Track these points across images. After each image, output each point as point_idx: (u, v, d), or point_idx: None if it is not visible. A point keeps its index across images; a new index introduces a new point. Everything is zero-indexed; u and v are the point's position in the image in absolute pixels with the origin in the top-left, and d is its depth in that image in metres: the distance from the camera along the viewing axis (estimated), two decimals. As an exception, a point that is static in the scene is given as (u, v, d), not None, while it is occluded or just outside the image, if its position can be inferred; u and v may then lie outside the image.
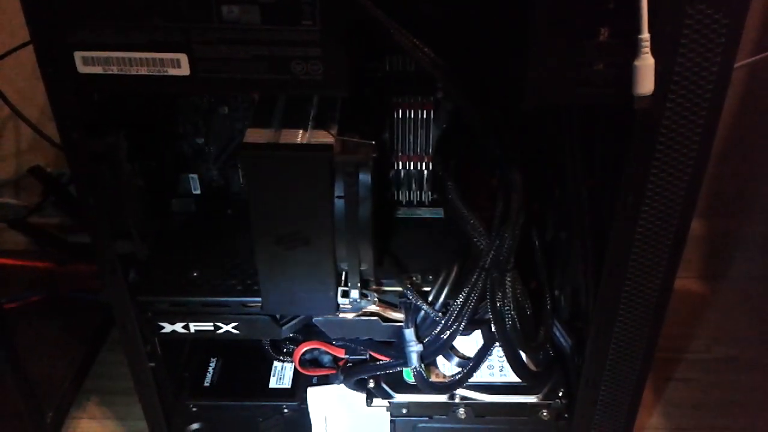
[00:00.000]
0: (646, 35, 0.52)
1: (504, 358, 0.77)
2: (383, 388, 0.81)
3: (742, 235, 1.18)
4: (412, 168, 0.82)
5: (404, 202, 0.84)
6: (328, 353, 0.84)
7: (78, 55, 0.57)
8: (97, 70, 0.58)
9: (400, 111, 0.79)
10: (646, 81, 0.54)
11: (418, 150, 0.81)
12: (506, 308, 0.73)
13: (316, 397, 0.83)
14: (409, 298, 0.74)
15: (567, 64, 0.56)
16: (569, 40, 0.55)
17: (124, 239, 0.72)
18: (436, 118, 0.80)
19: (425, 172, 0.82)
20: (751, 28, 0.98)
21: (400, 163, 0.82)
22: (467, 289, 0.73)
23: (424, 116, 0.79)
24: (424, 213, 0.84)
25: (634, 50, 0.53)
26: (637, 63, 0.53)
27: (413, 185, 0.83)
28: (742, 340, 1.09)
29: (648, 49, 0.53)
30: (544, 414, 0.81)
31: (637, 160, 0.60)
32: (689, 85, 0.56)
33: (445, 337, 0.74)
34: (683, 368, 1.04)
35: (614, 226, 0.64)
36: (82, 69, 0.58)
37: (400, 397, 0.81)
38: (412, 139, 0.80)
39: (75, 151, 0.63)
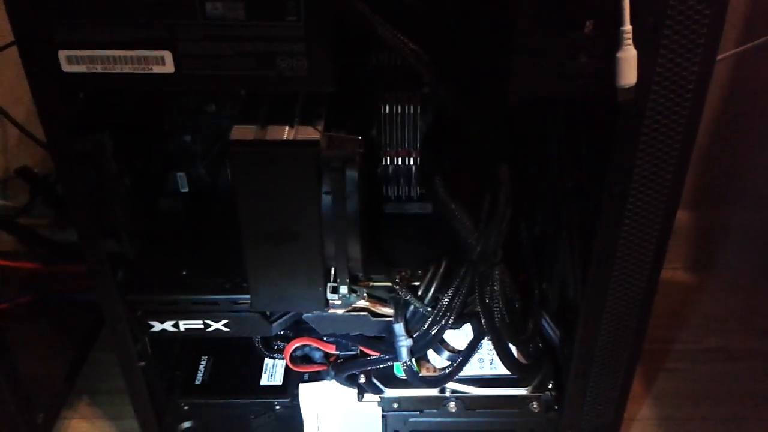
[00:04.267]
0: (628, 27, 0.53)
1: (494, 351, 0.78)
2: (374, 383, 0.81)
3: (729, 225, 1.19)
4: (399, 163, 0.82)
5: (392, 198, 0.84)
6: (318, 349, 0.84)
7: (62, 54, 0.57)
8: (82, 68, 0.58)
9: (387, 106, 0.79)
10: (628, 73, 0.54)
11: (406, 145, 0.81)
12: (495, 302, 0.73)
13: (308, 393, 0.83)
14: (398, 293, 0.74)
15: (551, 57, 0.57)
16: (553, 33, 0.56)
17: (112, 239, 0.72)
18: (424, 113, 0.79)
19: (413, 167, 0.82)
20: (736, 18, 0.98)
21: (388, 158, 0.82)
22: (456, 283, 0.73)
23: (412, 111, 0.79)
24: (413, 208, 0.84)
25: (618, 42, 0.53)
26: (619, 55, 0.53)
27: (401, 180, 0.83)
28: (730, 331, 1.09)
29: (630, 41, 0.53)
30: (534, 406, 0.81)
31: (622, 152, 0.60)
32: (672, 77, 0.56)
33: (434, 331, 0.74)
34: (672, 359, 1.05)
35: (601, 217, 0.65)
36: (67, 68, 0.58)
37: (390, 392, 0.81)
38: (399, 134, 0.80)
39: (60, 151, 0.63)
